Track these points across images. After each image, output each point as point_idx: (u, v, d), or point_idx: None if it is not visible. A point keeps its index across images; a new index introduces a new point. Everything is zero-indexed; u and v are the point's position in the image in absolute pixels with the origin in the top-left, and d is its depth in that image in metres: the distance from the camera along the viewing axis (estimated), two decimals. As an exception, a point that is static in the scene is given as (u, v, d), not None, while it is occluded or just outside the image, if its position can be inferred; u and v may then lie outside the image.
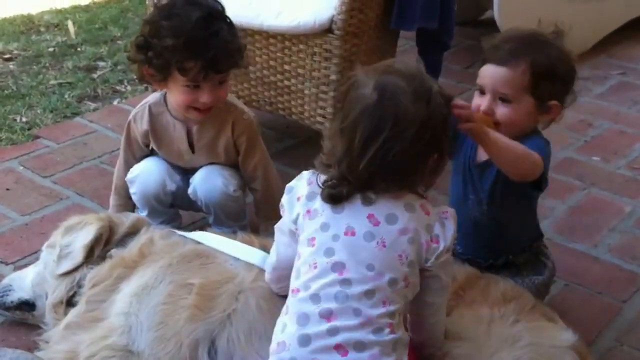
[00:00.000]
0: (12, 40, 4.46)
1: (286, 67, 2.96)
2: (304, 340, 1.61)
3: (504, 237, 2.19)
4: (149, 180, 2.53)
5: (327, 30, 2.83)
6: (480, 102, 2.11)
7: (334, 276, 1.62)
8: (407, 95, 1.61)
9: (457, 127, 1.91)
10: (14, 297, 2.33)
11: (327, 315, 1.61)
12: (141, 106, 2.53)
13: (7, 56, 4.25)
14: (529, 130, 2.14)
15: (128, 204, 2.64)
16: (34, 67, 4.13)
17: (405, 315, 1.73)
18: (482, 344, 1.80)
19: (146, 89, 3.82)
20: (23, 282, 2.33)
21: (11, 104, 3.70)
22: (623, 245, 2.78)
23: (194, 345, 1.91)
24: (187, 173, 2.59)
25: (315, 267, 1.64)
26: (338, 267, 1.63)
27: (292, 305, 1.67)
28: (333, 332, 1.60)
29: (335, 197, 1.67)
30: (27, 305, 2.32)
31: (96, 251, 2.22)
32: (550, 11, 3.97)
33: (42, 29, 4.67)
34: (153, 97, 2.54)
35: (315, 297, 1.63)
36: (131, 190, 2.60)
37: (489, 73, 2.11)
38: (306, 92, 2.96)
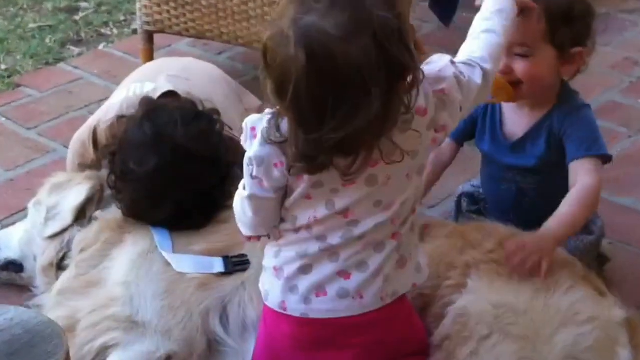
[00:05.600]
0: (-15, -20, 4.30)
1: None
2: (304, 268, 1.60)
3: (550, 205, 2.04)
4: None
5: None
6: None
7: (339, 218, 1.57)
8: (340, 40, 1.38)
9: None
10: (0, 256, 2.29)
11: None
12: None
13: (-20, -2, 4.13)
14: (558, 89, 2.06)
15: None
16: (11, 9, 4.00)
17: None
18: (540, 322, 1.74)
19: (134, 32, 3.70)
20: (10, 241, 2.32)
21: (-12, 50, 3.62)
22: (674, 199, 2.66)
23: (205, 313, 1.90)
24: None
25: (315, 217, 1.57)
26: (342, 211, 1.56)
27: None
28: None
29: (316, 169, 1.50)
30: (15, 266, 2.28)
31: (88, 212, 2.20)
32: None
33: (18, -33, 4.49)
34: None
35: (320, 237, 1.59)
36: None
37: None
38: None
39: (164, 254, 1.96)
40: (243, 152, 1.68)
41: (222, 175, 2.06)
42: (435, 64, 1.56)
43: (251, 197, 1.59)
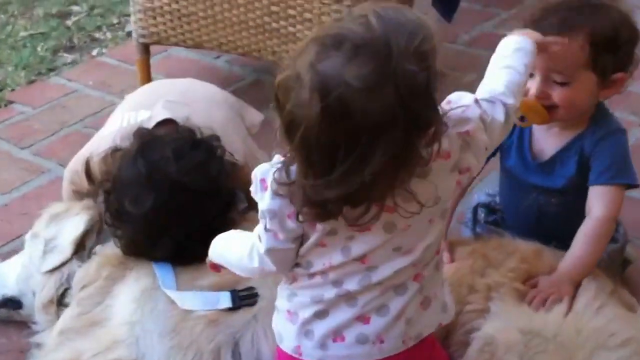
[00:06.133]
0: (-27, -13, 4.28)
1: (291, 12, 2.82)
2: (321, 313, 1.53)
3: (572, 225, 1.99)
4: None
5: (337, -33, 2.70)
6: (528, 85, 1.89)
7: (356, 264, 1.50)
8: (360, 93, 1.28)
9: None
10: (-2, 294, 2.26)
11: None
12: None
13: (-31, 5, 4.09)
14: (593, 111, 1.98)
15: None
16: (1, 16, 3.97)
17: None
18: (572, 347, 1.66)
19: (128, 35, 3.65)
20: (7, 276, 2.25)
21: (-23, 62, 3.59)
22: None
23: (216, 352, 1.84)
24: None
25: (330, 263, 1.50)
26: (359, 257, 1.49)
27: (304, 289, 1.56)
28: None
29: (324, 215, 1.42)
30: (13, 303, 2.23)
31: (87, 244, 2.13)
32: None
33: (7, -28, 4.46)
34: None
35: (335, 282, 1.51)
36: None
37: None
38: (314, 37, 2.77)
39: (167, 292, 1.89)
40: (245, 177, 1.59)
41: (223, 203, 1.99)
42: (458, 103, 1.46)
43: (270, 251, 1.51)
